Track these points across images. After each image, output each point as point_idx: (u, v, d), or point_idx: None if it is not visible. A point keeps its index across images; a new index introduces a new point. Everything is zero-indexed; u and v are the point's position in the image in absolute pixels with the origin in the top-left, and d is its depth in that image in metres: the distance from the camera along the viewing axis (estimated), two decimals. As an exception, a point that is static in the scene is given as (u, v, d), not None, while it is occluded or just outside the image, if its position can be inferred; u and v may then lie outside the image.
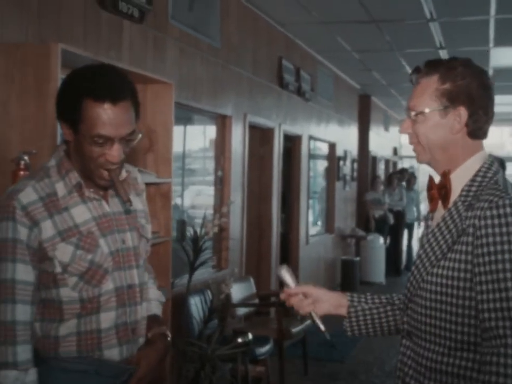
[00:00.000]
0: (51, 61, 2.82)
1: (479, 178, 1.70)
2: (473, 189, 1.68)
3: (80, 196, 1.88)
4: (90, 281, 1.86)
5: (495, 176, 1.69)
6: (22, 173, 2.73)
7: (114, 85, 1.80)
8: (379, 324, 1.94)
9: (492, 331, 1.55)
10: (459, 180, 1.72)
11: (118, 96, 1.78)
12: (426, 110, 1.71)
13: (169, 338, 2.07)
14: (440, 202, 1.77)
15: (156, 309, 2.13)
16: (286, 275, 1.94)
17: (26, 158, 2.75)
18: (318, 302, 1.95)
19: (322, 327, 1.90)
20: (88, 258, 1.84)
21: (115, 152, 1.80)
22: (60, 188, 1.85)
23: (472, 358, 1.62)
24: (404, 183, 12.16)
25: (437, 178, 1.80)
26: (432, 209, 1.80)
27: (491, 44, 7.25)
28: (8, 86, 2.87)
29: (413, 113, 1.73)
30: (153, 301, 2.13)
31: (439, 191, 1.75)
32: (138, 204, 2.05)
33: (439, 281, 1.66)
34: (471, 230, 1.61)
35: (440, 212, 1.76)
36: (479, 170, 1.71)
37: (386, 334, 1.96)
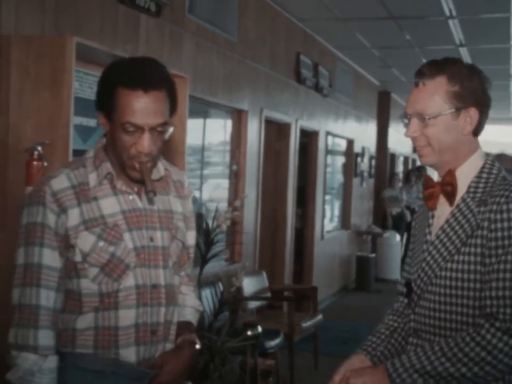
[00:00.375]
0: (66, 53, 2.87)
1: (485, 175, 1.73)
2: (481, 185, 1.72)
3: (111, 188, 1.86)
4: (111, 274, 1.82)
5: (500, 173, 1.74)
6: (35, 163, 2.80)
7: (147, 73, 1.78)
8: (397, 354, 1.89)
9: (492, 315, 1.61)
10: (464, 177, 1.75)
11: (150, 84, 1.76)
12: (441, 113, 1.71)
13: (198, 347, 1.99)
14: (441, 199, 1.79)
15: (190, 316, 2.05)
16: None
17: (39, 148, 2.81)
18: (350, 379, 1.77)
19: None
20: (110, 250, 1.82)
21: (145, 141, 1.76)
22: (92, 178, 1.85)
23: None
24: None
25: (434, 177, 1.84)
26: (432, 207, 1.81)
27: (512, 42, 7.19)
28: (24, 77, 2.93)
29: (427, 117, 1.71)
30: (189, 308, 2.06)
31: (442, 189, 1.77)
32: (178, 206, 2.00)
33: (453, 275, 1.69)
34: (485, 224, 1.65)
35: (444, 208, 1.78)
36: (483, 167, 1.75)
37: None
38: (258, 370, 4.66)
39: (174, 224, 1.96)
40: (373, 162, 10.74)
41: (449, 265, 1.71)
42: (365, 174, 10.17)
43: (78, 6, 3.43)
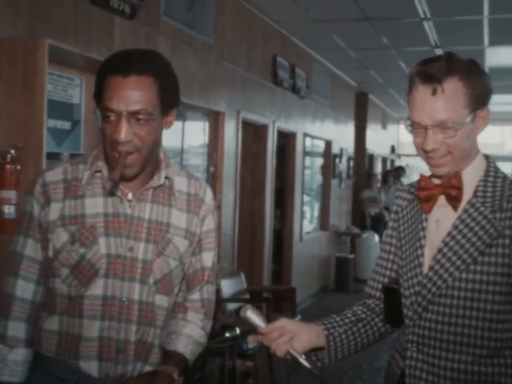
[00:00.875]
0: (39, 56, 2.87)
1: (491, 178, 1.67)
2: (489, 189, 1.65)
3: (102, 188, 1.76)
4: (80, 278, 1.73)
5: (506, 177, 1.68)
6: (8, 166, 2.78)
7: (131, 58, 1.68)
8: (354, 344, 1.84)
9: None
10: (469, 180, 1.66)
11: (130, 69, 1.65)
12: (465, 120, 1.60)
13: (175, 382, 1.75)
14: (438, 202, 1.69)
15: (182, 347, 1.81)
16: (253, 316, 1.72)
17: (13, 151, 2.80)
18: (296, 337, 1.74)
19: (306, 363, 1.71)
20: (80, 251, 1.72)
21: (120, 128, 1.63)
22: (86, 175, 1.77)
23: (503, 363, 1.61)
24: (402, 181, 12.24)
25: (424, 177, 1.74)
26: (428, 210, 1.70)
27: (486, 43, 7.27)
28: (-4, 80, 2.91)
29: (453, 126, 1.58)
30: (183, 337, 1.83)
31: (444, 192, 1.66)
32: (182, 221, 1.81)
33: (469, 286, 1.59)
34: (507, 232, 1.58)
35: (445, 212, 1.68)
36: (487, 170, 1.68)
37: (361, 350, 1.88)
38: (237, 372, 4.67)
39: (165, 239, 1.78)
40: (351, 163, 10.80)
41: (464, 275, 1.60)
42: (343, 175, 10.22)
43: (52, 9, 3.41)
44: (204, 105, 5.25)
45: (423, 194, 1.70)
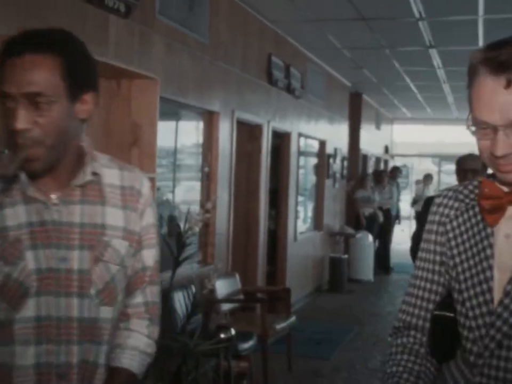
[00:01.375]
0: (33, 55, 2.83)
1: None
2: None
3: (21, 194, 1.51)
4: (8, 300, 1.49)
5: None
6: None
7: (30, 36, 1.47)
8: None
9: None
10: None
11: (27, 47, 1.44)
12: None
13: None
14: (508, 213, 1.40)
15: (127, 361, 1.62)
16: None
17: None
18: None
19: None
20: (5, 270, 1.48)
21: (16, 115, 1.41)
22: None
23: None
24: (398, 181, 12.31)
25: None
26: (493, 223, 1.41)
27: (481, 43, 7.27)
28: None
29: None
30: (128, 349, 1.63)
31: None
32: (118, 219, 1.59)
33: None
34: None
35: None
36: None
37: None
38: (232, 373, 4.65)
39: (102, 242, 1.56)
40: (345, 163, 10.79)
41: None
42: (337, 175, 10.21)
43: (45, 7, 3.39)
44: (198, 104, 5.22)
45: (488, 204, 1.40)
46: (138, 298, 1.67)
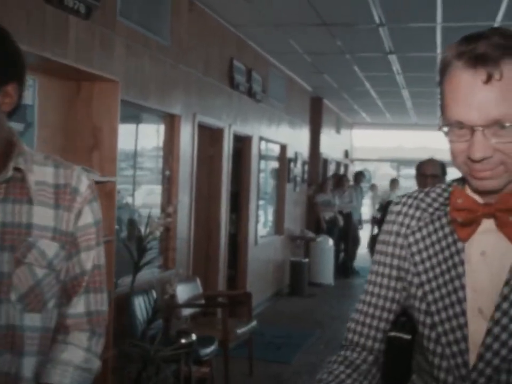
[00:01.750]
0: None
1: None
2: None
3: None
4: None
5: None
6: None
7: None
8: None
9: None
10: None
11: None
12: None
13: None
14: (482, 227, 1.25)
15: (57, 377, 1.47)
16: None
17: None
18: None
19: None
20: None
21: None
22: None
23: None
24: (361, 186, 12.46)
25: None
26: (466, 238, 1.26)
27: (439, 50, 7.39)
28: None
29: (508, 124, 1.14)
30: (60, 364, 1.48)
31: (497, 214, 1.22)
32: (47, 218, 1.46)
33: None
34: None
35: (495, 242, 1.24)
36: None
37: None
38: (192, 379, 4.62)
39: (26, 243, 1.43)
40: (306, 167, 10.84)
41: None
42: (298, 179, 10.26)
43: (4, 7, 3.31)
44: (159, 107, 5.18)
45: (462, 217, 1.25)
46: (78, 308, 1.53)
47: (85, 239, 1.52)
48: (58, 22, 3.77)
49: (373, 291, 1.40)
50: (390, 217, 1.39)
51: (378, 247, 1.41)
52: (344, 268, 11.45)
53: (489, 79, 1.13)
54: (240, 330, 5.43)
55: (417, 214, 1.35)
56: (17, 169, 1.44)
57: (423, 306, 1.29)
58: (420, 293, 1.30)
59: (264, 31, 6.85)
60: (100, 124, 3.87)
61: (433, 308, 1.27)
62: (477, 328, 1.22)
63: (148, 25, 4.86)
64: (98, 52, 4.21)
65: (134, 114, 5.10)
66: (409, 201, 1.38)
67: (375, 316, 1.39)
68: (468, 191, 1.28)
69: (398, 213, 1.38)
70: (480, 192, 1.24)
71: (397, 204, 1.40)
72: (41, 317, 1.47)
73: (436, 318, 1.26)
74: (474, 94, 1.14)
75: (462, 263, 1.25)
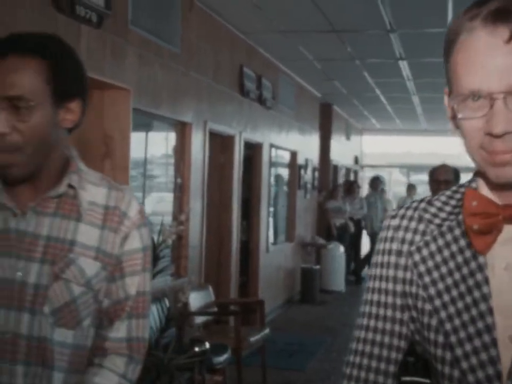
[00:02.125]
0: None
1: None
2: None
3: None
4: None
5: None
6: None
7: (16, 39, 1.42)
8: None
9: None
10: None
11: (12, 48, 1.39)
12: None
13: None
14: (502, 237, 1.02)
15: None
16: None
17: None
18: None
19: None
20: None
21: None
22: None
23: None
24: (384, 189, 12.47)
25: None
26: (484, 249, 1.03)
27: (450, 56, 7.36)
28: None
29: None
30: None
31: None
32: (92, 238, 1.46)
33: None
34: None
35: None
36: None
37: None
38: (206, 387, 4.59)
39: (66, 259, 1.44)
40: (316, 174, 10.82)
41: None
42: (309, 185, 10.23)
43: (15, 15, 3.32)
44: (171, 115, 5.18)
45: (478, 223, 1.02)
46: (120, 333, 1.50)
47: (131, 264, 1.51)
48: (70, 31, 3.77)
49: (376, 326, 1.13)
50: (386, 233, 1.15)
51: (374, 271, 1.16)
52: (355, 274, 11.41)
53: (511, 38, 0.94)
54: (253, 338, 5.40)
55: (421, 227, 1.12)
56: (70, 186, 1.46)
57: (440, 338, 1.04)
58: (434, 322, 1.05)
59: (273, 38, 6.85)
60: (111, 132, 3.87)
61: (453, 339, 1.02)
62: (507, 361, 0.99)
63: (159, 33, 4.87)
64: (109, 60, 4.22)
65: (144, 122, 5.11)
66: (409, 213, 1.15)
67: (382, 358, 1.12)
68: (484, 190, 1.06)
69: (397, 228, 1.14)
70: (500, 189, 1.02)
71: (393, 217, 1.16)
72: (74, 334, 1.46)
73: (459, 352, 1.01)
74: (494, 56, 0.95)
75: (486, 281, 1.02)
